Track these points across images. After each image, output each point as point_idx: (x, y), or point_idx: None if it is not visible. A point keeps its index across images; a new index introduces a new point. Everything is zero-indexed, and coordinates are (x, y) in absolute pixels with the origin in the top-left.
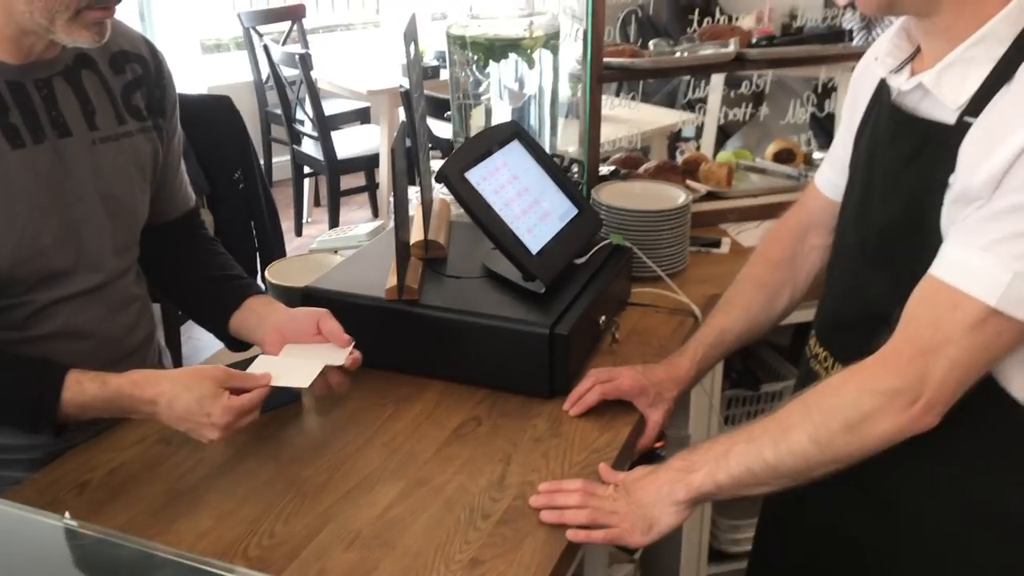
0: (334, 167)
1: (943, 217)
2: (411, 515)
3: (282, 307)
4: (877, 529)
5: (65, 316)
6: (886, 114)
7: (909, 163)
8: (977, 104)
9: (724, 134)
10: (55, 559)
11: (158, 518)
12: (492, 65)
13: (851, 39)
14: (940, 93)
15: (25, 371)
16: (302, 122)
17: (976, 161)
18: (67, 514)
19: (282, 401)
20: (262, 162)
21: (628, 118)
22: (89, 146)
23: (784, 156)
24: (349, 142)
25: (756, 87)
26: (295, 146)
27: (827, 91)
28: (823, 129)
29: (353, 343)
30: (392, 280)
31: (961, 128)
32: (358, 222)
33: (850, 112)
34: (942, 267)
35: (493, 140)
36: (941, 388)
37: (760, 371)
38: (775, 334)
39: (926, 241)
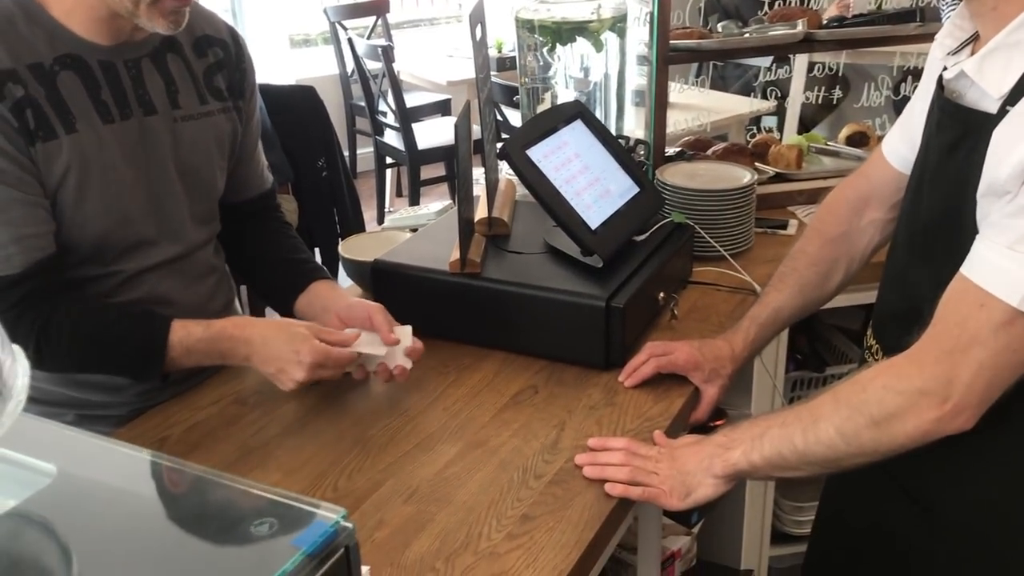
0: (415, 157)
1: (978, 211)
2: (467, 473)
3: (344, 294)
4: (915, 528)
5: (149, 285)
6: (937, 100)
7: (951, 153)
8: (1020, 92)
9: (804, 126)
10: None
11: (230, 471)
12: (559, 50)
13: (922, 19)
14: (983, 81)
15: (134, 319)
16: (384, 114)
17: (1004, 152)
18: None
19: None
20: (346, 153)
21: (702, 105)
22: (171, 124)
23: (857, 139)
24: (430, 133)
25: (830, 70)
26: (378, 137)
27: (904, 74)
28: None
29: (406, 343)
30: (455, 254)
31: (1003, 118)
32: None
33: (926, 89)
34: (970, 264)
35: (556, 119)
36: (970, 390)
37: (827, 353)
38: (844, 317)
39: (964, 236)
